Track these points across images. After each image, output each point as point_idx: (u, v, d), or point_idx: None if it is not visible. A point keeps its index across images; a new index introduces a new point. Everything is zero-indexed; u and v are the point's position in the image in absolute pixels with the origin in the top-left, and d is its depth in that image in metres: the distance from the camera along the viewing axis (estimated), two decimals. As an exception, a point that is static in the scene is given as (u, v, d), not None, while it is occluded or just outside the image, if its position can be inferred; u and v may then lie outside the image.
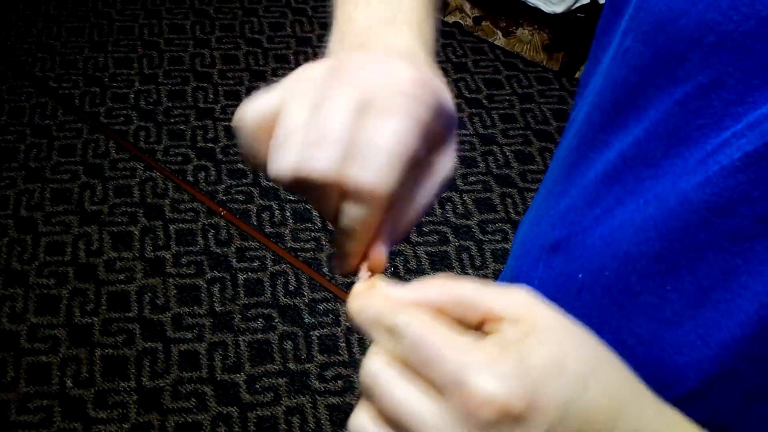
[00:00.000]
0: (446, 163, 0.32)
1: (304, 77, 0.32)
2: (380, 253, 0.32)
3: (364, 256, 0.32)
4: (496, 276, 1.50)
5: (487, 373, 0.24)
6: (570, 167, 0.40)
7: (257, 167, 0.32)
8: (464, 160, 2.05)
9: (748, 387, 0.30)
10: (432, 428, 0.24)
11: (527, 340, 0.25)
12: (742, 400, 0.30)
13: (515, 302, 0.26)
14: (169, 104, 2.13)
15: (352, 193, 0.29)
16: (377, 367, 0.26)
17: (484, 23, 2.46)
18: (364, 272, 0.32)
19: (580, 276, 0.36)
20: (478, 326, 0.27)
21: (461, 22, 2.51)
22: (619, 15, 0.37)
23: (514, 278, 0.45)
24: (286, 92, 0.32)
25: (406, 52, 0.34)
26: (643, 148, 0.33)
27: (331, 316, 1.65)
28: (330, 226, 1.83)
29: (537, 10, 2.26)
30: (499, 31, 2.44)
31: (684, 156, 0.31)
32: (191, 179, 1.92)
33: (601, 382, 0.25)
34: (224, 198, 1.88)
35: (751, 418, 0.30)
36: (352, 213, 0.30)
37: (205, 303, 1.64)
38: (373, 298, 0.28)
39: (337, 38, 0.37)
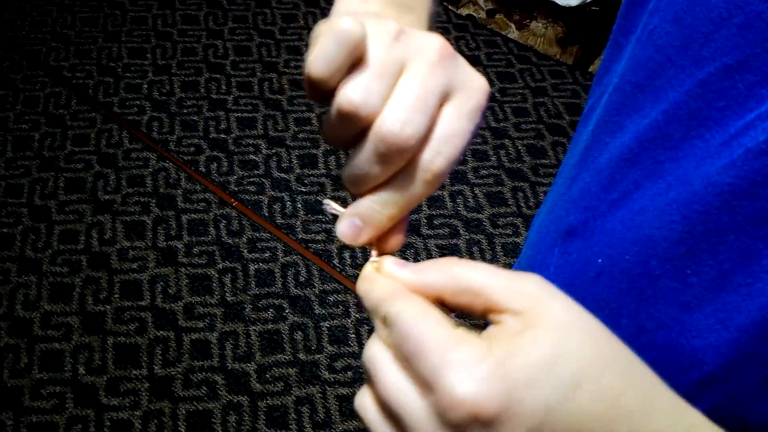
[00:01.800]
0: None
1: (387, 25, 0.30)
2: (396, 240, 0.32)
3: (381, 239, 0.32)
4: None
5: (462, 374, 0.23)
6: (585, 151, 0.40)
7: (319, 83, 0.29)
8: (476, 154, 2.05)
9: (766, 371, 0.29)
10: (416, 421, 0.24)
11: (521, 336, 0.24)
12: (759, 384, 0.30)
13: (522, 294, 0.25)
14: (182, 95, 2.14)
15: (415, 170, 0.29)
16: (374, 352, 0.27)
17: (497, 16, 2.45)
18: (374, 255, 0.32)
19: (599, 261, 0.36)
20: (484, 313, 0.26)
21: (474, 14, 2.50)
22: None
23: (530, 266, 0.45)
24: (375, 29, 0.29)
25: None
26: (662, 131, 0.33)
27: (341, 307, 1.65)
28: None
29: (551, 3, 2.25)
30: (512, 24, 2.43)
31: (705, 138, 0.31)
32: (203, 170, 1.93)
33: (598, 387, 0.24)
34: (236, 189, 1.89)
35: (767, 402, 0.30)
36: (402, 187, 0.29)
37: (216, 293, 1.65)
38: (376, 282, 0.28)
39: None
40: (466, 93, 0.29)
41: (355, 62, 0.28)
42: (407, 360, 0.25)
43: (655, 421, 0.25)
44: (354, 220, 0.30)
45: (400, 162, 0.29)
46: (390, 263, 0.29)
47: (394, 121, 0.28)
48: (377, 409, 0.27)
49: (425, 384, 0.24)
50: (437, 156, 0.29)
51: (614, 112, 0.37)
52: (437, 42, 0.30)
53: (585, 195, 0.38)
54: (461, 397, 0.23)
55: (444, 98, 0.29)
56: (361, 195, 0.31)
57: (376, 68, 0.28)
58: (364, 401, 0.27)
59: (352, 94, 0.28)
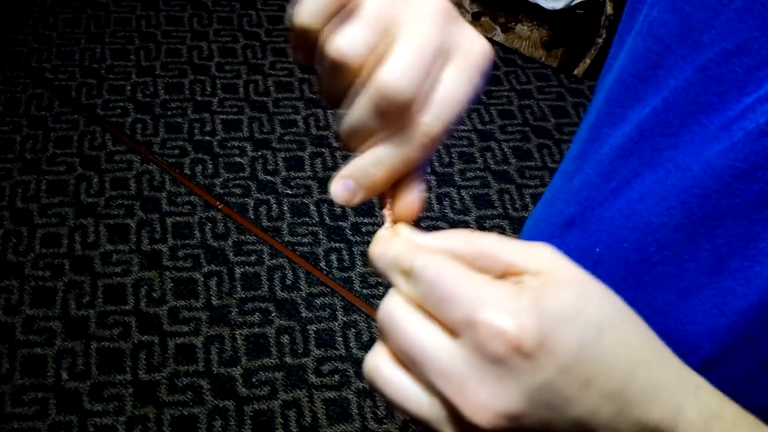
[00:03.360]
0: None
1: None
2: (411, 198, 0.31)
3: (391, 199, 0.31)
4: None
5: (500, 308, 0.24)
6: (585, 144, 0.40)
7: (306, 33, 0.29)
8: (462, 156, 2.05)
9: (763, 355, 0.29)
10: (445, 364, 0.24)
11: (547, 286, 0.25)
12: (755, 368, 0.30)
13: (539, 256, 0.26)
14: (167, 97, 2.12)
15: (411, 130, 0.29)
16: (393, 306, 0.26)
17: (483, 19, 2.46)
18: (387, 217, 0.31)
19: (597, 250, 0.36)
20: (501, 277, 0.26)
21: (460, 17, 2.51)
22: None
23: None
24: None
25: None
26: (661, 118, 0.33)
27: (328, 310, 1.64)
28: (328, 221, 1.83)
29: (536, 6, 2.26)
30: (498, 27, 2.44)
31: (704, 123, 0.31)
32: (188, 172, 1.91)
33: (620, 335, 0.25)
34: (221, 191, 1.87)
35: (763, 386, 0.30)
36: (397, 146, 0.29)
37: (201, 296, 1.64)
38: (394, 242, 0.28)
39: None
40: (466, 54, 0.29)
41: (346, 11, 0.28)
42: (436, 305, 0.25)
43: (668, 374, 0.26)
44: (348, 182, 0.30)
45: (397, 116, 0.28)
46: (406, 229, 0.29)
47: (391, 73, 0.27)
48: (395, 365, 0.26)
49: (459, 325, 0.24)
50: (434, 118, 0.28)
51: (615, 104, 0.37)
52: (437, 0, 0.29)
53: (585, 186, 0.38)
54: (503, 328, 0.23)
55: (443, 58, 0.29)
56: (357, 151, 0.30)
57: (367, 17, 0.28)
58: (377, 360, 0.27)
59: (339, 41, 0.28)
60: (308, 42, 0.29)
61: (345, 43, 0.28)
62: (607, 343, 0.24)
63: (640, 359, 0.25)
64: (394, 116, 0.28)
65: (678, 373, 0.26)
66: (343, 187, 0.30)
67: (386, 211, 0.31)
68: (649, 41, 0.34)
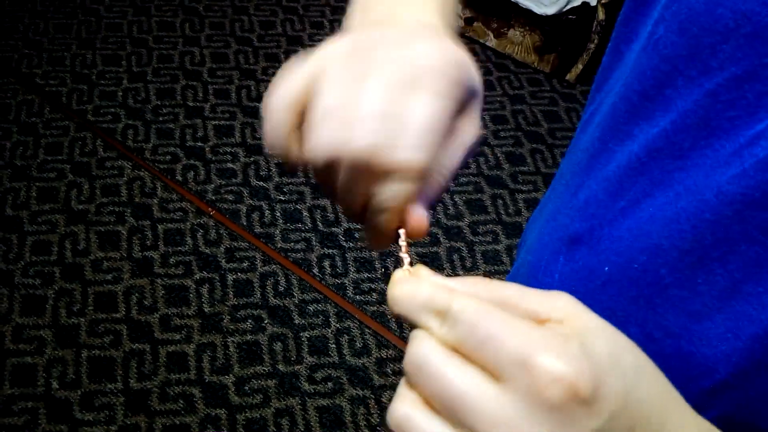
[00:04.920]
0: (471, 128, 0.34)
1: (331, 56, 0.32)
2: (419, 217, 0.32)
3: (402, 222, 0.32)
4: (487, 277, 1.50)
5: (556, 353, 0.23)
6: (590, 159, 0.40)
7: (283, 155, 0.32)
8: (455, 161, 2.05)
9: None
10: (491, 411, 0.23)
11: (583, 334, 0.24)
12: None
13: (560, 305, 0.25)
14: (158, 102, 2.11)
15: (389, 170, 0.30)
16: (427, 350, 0.25)
17: (475, 24, 2.46)
18: (403, 237, 0.32)
19: (606, 269, 0.36)
20: None
21: (452, 22, 2.51)
22: (648, 5, 0.37)
23: (532, 272, 0.44)
24: (315, 72, 0.32)
25: (429, 26, 0.35)
26: (671, 140, 0.33)
27: (321, 317, 1.63)
28: (321, 227, 1.82)
29: (529, 12, 2.26)
30: (490, 32, 2.44)
31: (715, 147, 0.31)
32: (180, 178, 1.90)
33: (653, 381, 0.25)
34: (213, 198, 1.86)
35: None
36: (388, 190, 0.30)
37: (193, 304, 1.63)
38: (422, 284, 0.27)
39: (357, 13, 0.37)
40: (462, 138, 0.33)
41: (299, 114, 0.31)
42: (480, 347, 0.24)
43: (689, 419, 0.26)
44: (369, 233, 0.34)
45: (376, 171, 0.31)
46: (425, 270, 0.29)
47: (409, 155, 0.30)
48: (429, 413, 0.24)
49: (508, 368, 0.23)
50: (401, 148, 0.30)
51: (621, 120, 0.37)
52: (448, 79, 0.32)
53: (591, 203, 0.38)
54: (561, 373, 0.22)
55: (405, 91, 0.31)
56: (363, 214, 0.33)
57: (328, 112, 0.30)
58: (407, 410, 0.25)
59: (311, 146, 0.30)
60: (290, 159, 0.32)
61: (315, 147, 0.31)
62: (644, 389, 0.24)
63: (669, 405, 0.25)
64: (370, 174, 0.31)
65: (694, 417, 0.26)
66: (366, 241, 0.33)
67: (403, 254, 0.31)
68: (656, 59, 0.34)
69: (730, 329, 0.30)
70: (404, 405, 0.25)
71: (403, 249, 0.31)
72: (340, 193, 0.32)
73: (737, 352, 0.30)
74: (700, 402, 0.31)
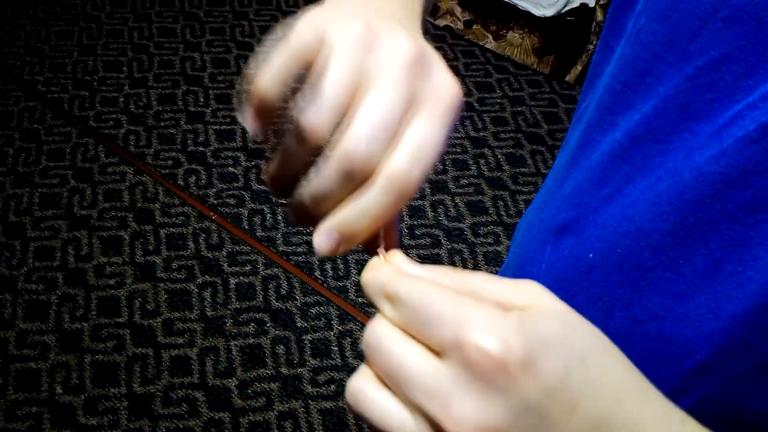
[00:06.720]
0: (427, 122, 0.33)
1: (344, 32, 0.30)
2: (391, 237, 0.32)
3: (380, 240, 0.32)
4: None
5: (486, 328, 0.24)
6: (577, 151, 0.40)
7: (264, 95, 0.31)
8: (456, 163, 2.05)
9: (758, 358, 0.30)
10: (430, 383, 0.24)
11: (533, 314, 0.25)
12: (751, 372, 0.30)
13: (526, 292, 0.26)
14: (159, 108, 2.12)
15: (386, 181, 0.29)
16: (379, 329, 0.27)
17: (474, 27, 2.47)
18: (382, 252, 0.32)
19: (591, 255, 0.36)
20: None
21: (452, 25, 2.52)
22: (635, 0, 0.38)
23: (520, 264, 0.45)
24: (327, 39, 0.30)
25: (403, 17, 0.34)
26: (651, 125, 0.33)
27: (324, 319, 1.64)
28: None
29: (527, 14, 2.27)
30: (489, 35, 2.45)
31: (694, 130, 0.31)
32: (182, 183, 1.91)
33: (605, 366, 0.25)
34: (215, 202, 1.87)
35: (759, 390, 0.30)
36: (378, 197, 0.30)
37: (196, 308, 1.63)
38: (384, 268, 0.29)
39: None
40: (436, 102, 0.30)
41: (312, 74, 0.29)
42: (422, 329, 0.25)
43: (653, 407, 0.26)
44: (331, 233, 0.31)
45: (364, 177, 0.29)
46: (400, 256, 0.30)
47: (356, 139, 0.28)
48: (379, 386, 0.26)
49: (445, 346, 0.24)
50: (411, 166, 0.29)
51: (605, 111, 0.37)
52: (405, 47, 0.30)
53: (576, 192, 0.39)
54: (490, 347, 0.23)
55: (414, 107, 0.30)
56: (324, 213, 0.31)
57: (333, 87, 0.29)
58: (361, 383, 0.27)
59: (308, 120, 0.29)
60: (266, 111, 0.30)
61: (313, 120, 0.29)
62: (593, 372, 0.25)
63: (625, 390, 0.25)
64: (361, 177, 0.29)
65: (663, 406, 0.26)
66: (326, 238, 0.31)
67: (380, 249, 0.32)
68: (638, 49, 0.34)
69: (711, 309, 0.31)
70: (359, 380, 0.27)
71: (380, 246, 0.32)
72: (286, 160, 0.31)
73: (718, 332, 0.30)
74: (683, 383, 0.31)
